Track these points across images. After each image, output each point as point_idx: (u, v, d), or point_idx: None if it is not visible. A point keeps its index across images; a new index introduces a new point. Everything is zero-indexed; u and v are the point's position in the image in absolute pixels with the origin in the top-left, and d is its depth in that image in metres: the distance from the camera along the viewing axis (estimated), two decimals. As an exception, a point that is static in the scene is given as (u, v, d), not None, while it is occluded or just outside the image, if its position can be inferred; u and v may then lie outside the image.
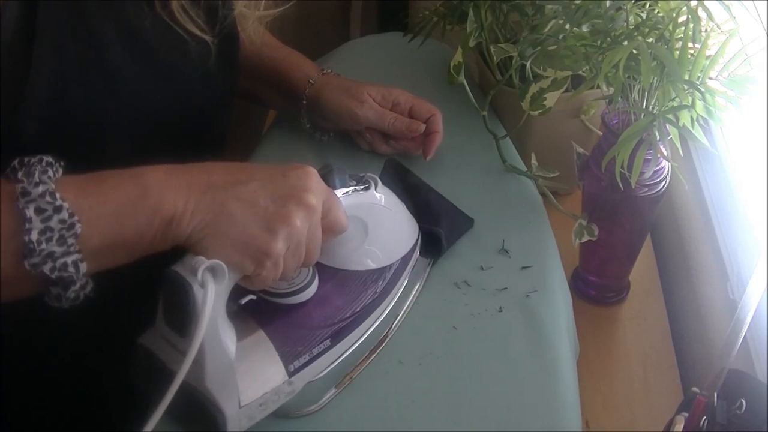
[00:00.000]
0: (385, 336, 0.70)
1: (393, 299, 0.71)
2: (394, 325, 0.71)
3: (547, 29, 0.82)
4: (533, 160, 0.85)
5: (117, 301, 0.69)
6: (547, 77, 0.82)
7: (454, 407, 0.65)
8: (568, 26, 0.77)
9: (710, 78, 0.68)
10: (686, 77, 0.67)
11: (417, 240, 0.73)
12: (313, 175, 0.59)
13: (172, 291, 0.54)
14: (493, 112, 0.94)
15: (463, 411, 0.65)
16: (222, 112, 0.80)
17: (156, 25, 0.67)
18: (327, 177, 0.62)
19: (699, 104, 0.68)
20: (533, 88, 0.83)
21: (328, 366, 0.66)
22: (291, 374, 0.62)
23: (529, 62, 0.83)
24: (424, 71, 1.02)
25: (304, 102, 0.88)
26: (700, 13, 0.68)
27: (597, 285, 0.90)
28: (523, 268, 0.77)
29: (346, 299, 0.66)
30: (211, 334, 0.55)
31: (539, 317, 0.72)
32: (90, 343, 0.75)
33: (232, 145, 0.84)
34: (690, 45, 0.67)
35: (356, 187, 0.65)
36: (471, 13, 0.86)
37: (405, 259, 0.71)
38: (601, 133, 0.84)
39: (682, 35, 0.68)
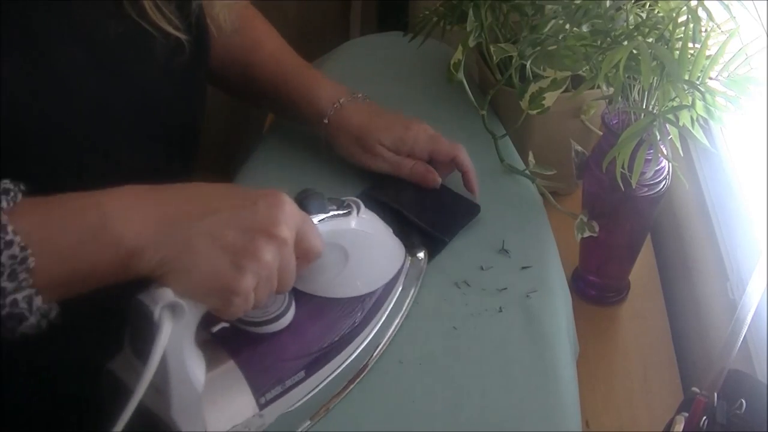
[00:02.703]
0: (365, 366, 0.67)
1: (374, 328, 0.68)
2: (375, 354, 0.68)
3: (547, 29, 0.82)
4: (530, 158, 0.85)
5: (88, 325, 0.68)
6: (546, 77, 0.82)
7: (454, 407, 0.65)
8: (568, 26, 0.77)
9: (710, 78, 0.68)
10: (686, 77, 0.67)
11: (402, 266, 0.71)
12: (284, 203, 0.55)
13: (137, 318, 0.53)
14: (492, 112, 0.94)
15: (463, 411, 0.65)
16: (192, 107, 0.78)
17: (120, 24, 0.65)
18: (304, 202, 0.60)
19: (699, 104, 0.68)
20: (532, 88, 0.83)
21: (302, 398, 0.63)
22: (262, 407, 0.60)
23: (529, 62, 0.83)
24: (424, 71, 1.02)
25: (323, 134, 0.84)
26: (700, 13, 0.68)
27: (597, 285, 0.90)
28: (523, 268, 0.77)
29: (324, 328, 0.64)
30: (176, 365, 0.54)
31: (539, 317, 0.72)
32: (62, 365, 0.73)
33: (232, 146, 0.84)
34: (690, 45, 0.67)
35: (336, 212, 0.63)
36: (471, 13, 0.86)
37: (388, 286, 0.69)
38: (601, 133, 0.84)
39: (682, 35, 0.68)
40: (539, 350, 0.70)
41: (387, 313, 0.70)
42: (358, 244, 0.65)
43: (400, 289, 0.71)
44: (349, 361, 0.66)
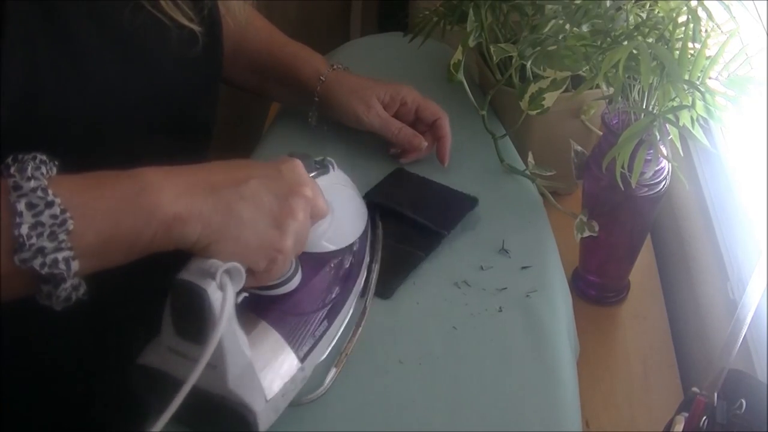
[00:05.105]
0: (365, 309, 0.72)
1: (363, 273, 0.73)
2: (369, 296, 0.73)
3: (547, 29, 0.82)
4: (530, 159, 0.85)
5: (114, 312, 0.68)
6: (546, 77, 0.82)
7: (454, 407, 0.65)
8: (568, 26, 0.77)
9: (710, 78, 0.68)
10: (686, 77, 0.67)
11: (368, 219, 0.76)
12: (302, 166, 0.60)
13: (184, 300, 0.54)
14: (492, 112, 0.94)
15: (462, 411, 0.65)
16: (206, 99, 0.79)
17: (136, 13, 0.65)
18: None
19: (699, 104, 0.68)
20: (532, 88, 0.83)
21: (330, 345, 0.67)
22: (302, 360, 0.63)
23: (529, 62, 0.83)
24: (424, 71, 1.02)
25: (317, 99, 0.89)
26: (700, 13, 0.68)
27: (597, 285, 0.90)
28: (523, 268, 0.77)
29: (328, 280, 0.68)
30: (228, 337, 0.55)
31: (539, 317, 0.72)
32: (86, 353, 0.74)
33: (233, 142, 0.84)
34: (690, 45, 0.67)
35: (320, 171, 0.67)
36: (471, 13, 0.86)
37: (364, 235, 0.74)
38: (601, 133, 0.84)
39: (682, 35, 0.68)
40: (539, 350, 0.70)
41: (368, 260, 0.74)
42: (339, 198, 0.69)
43: (370, 238, 0.76)
44: (354, 304, 0.71)
